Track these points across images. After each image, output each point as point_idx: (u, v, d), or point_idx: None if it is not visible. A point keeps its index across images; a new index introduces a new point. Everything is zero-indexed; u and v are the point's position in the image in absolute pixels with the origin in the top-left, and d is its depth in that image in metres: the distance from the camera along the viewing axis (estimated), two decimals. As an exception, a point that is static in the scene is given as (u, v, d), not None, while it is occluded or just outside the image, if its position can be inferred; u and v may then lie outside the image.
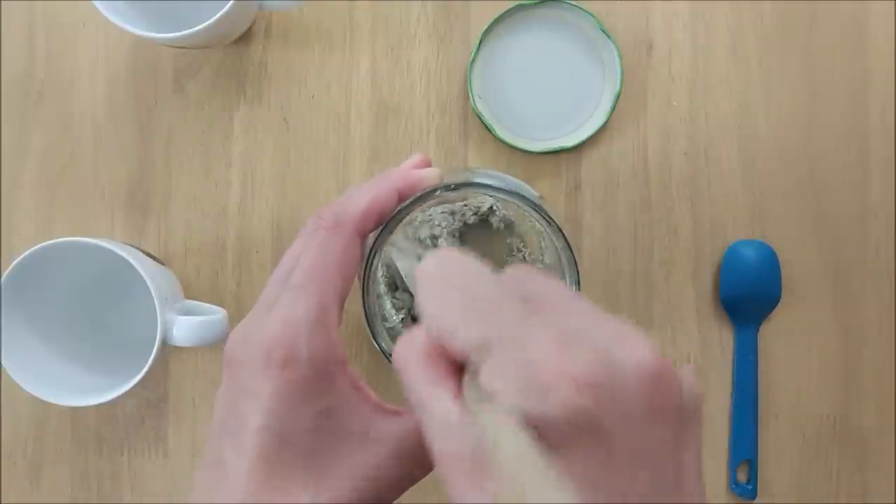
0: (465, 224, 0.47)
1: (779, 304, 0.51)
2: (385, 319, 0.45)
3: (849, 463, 0.51)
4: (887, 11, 0.52)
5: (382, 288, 0.46)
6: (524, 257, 0.48)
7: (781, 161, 0.51)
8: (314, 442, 0.27)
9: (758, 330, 0.51)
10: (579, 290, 0.37)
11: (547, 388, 0.19)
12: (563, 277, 0.38)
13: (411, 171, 0.33)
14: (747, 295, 0.50)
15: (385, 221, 0.33)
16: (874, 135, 0.51)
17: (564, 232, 0.36)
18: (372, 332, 0.37)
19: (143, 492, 0.51)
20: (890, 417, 0.51)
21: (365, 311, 0.37)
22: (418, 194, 0.34)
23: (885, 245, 0.51)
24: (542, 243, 0.47)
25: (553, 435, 0.19)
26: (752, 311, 0.51)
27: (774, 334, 0.51)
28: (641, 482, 0.20)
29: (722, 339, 0.51)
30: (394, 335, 0.41)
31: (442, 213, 0.46)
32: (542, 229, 0.36)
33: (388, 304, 0.46)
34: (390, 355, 0.37)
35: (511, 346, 0.20)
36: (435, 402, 0.22)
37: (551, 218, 0.36)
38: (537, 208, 0.36)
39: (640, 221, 0.51)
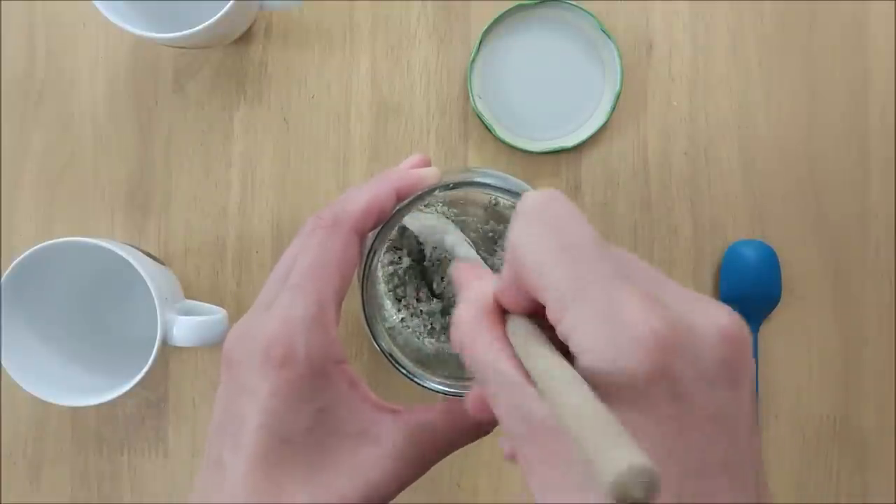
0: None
1: (779, 305, 0.51)
2: (385, 319, 0.45)
3: (849, 463, 0.51)
4: (887, 11, 0.52)
5: (382, 287, 0.46)
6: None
7: (782, 161, 0.51)
8: (313, 441, 0.27)
9: (758, 330, 0.51)
10: None
11: (634, 341, 0.19)
12: None
13: (410, 170, 0.33)
14: (747, 295, 0.50)
15: (384, 221, 0.33)
16: (874, 135, 0.51)
17: None
18: (371, 333, 0.37)
19: (143, 492, 0.51)
20: (890, 417, 0.51)
21: (364, 311, 0.37)
22: (417, 193, 0.34)
23: (885, 245, 0.51)
24: None
25: (630, 393, 0.19)
26: (753, 311, 0.51)
27: (774, 334, 0.51)
28: (719, 447, 0.20)
29: (722, 339, 0.51)
30: (394, 335, 0.41)
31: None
32: None
33: (388, 304, 0.46)
34: (390, 355, 0.37)
35: (601, 297, 0.20)
36: (497, 368, 0.22)
37: None
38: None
39: (640, 221, 0.51)
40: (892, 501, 0.51)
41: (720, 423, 0.20)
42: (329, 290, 0.28)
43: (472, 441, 0.30)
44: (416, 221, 0.41)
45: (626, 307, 0.19)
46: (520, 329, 0.22)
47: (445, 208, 0.49)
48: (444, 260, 0.46)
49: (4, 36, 0.52)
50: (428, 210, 0.46)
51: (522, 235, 0.22)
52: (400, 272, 0.46)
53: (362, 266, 0.36)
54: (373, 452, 0.28)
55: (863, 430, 0.51)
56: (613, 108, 0.50)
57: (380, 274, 0.45)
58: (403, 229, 0.46)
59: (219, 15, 0.43)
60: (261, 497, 0.26)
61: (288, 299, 0.28)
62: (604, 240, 0.22)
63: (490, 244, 0.49)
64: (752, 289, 0.50)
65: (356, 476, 0.27)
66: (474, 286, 0.24)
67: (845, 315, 0.51)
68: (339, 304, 0.29)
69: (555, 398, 0.19)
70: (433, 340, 0.47)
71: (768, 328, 0.51)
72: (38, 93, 0.52)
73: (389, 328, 0.42)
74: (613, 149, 0.51)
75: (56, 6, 0.52)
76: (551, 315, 0.21)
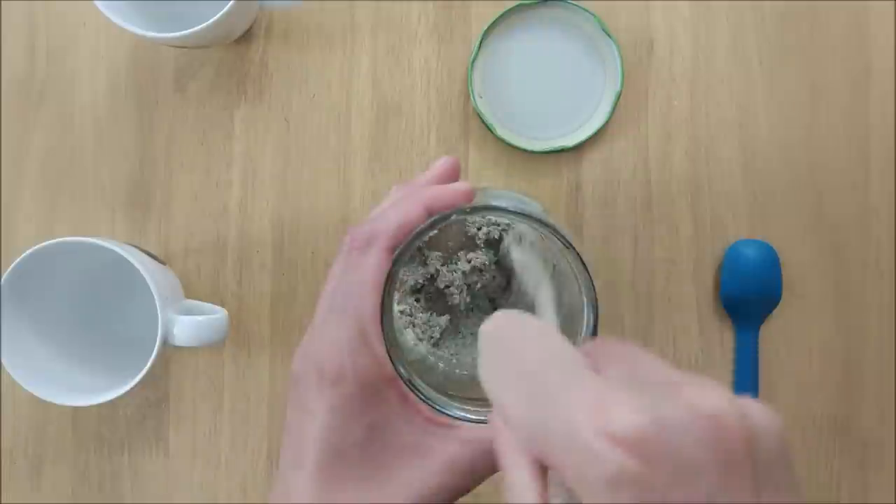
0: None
1: (779, 304, 0.51)
2: (405, 350, 0.43)
3: (849, 463, 0.51)
4: (888, 11, 0.52)
5: (402, 321, 0.45)
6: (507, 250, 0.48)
7: (782, 160, 0.51)
8: (367, 455, 0.29)
9: (758, 330, 0.51)
10: (596, 316, 0.36)
11: (591, 455, 0.17)
12: (579, 301, 0.37)
13: (443, 189, 0.32)
14: (748, 295, 0.50)
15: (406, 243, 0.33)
16: (875, 134, 0.51)
17: (581, 254, 0.35)
18: (391, 358, 0.36)
19: (143, 492, 0.51)
20: (890, 417, 0.51)
21: (384, 337, 0.36)
22: (435, 218, 0.33)
23: (886, 245, 0.51)
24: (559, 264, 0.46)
25: None
26: (753, 310, 0.51)
27: (775, 334, 0.51)
28: None
29: (722, 339, 0.51)
30: (416, 367, 0.40)
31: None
32: (559, 250, 0.36)
33: (409, 337, 0.45)
34: (410, 382, 0.36)
35: (555, 422, 0.19)
36: (514, 484, 0.21)
37: (569, 242, 0.35)
38: (556, 232, 0.35)
39: (640, 221, 0.51)
40: (893, 502, 0.51)
41: None
42: (367, 311, 0.29)
43: None
44: (521, 254, 0.39)
45: (578, 421, 0.18)
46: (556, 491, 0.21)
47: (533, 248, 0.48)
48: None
49: (5, 36, 0.52)
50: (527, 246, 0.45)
51: (486, 374, 0.22)
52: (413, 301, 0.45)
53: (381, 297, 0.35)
54: (425, 465, 0.29)
55: (863, 429, 0.51)
56: (614, 108, 0.50)
57: (397, 309, 0.45)
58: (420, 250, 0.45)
59: (219, 14, 0.43)
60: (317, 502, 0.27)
61: (333, 322, 0.29)
62: (557, 345, 0.21)
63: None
64: (752, 288, 0.50)
65: (408, 487, 0.28)
66: (517, 475, 0.22)
67: (845, 315, 0.51)
68: (377, 312, 0.30)
69: None
70: (451, 361, 0.46)
71: (769, 328, 0.51)
72: (39, 93, 0.52)
73: (411, 361, 0.41)
74: (614, 148, 0.51)
75: (56, 6, 0.52)
76: (529, 449, 0.20)
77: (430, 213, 0.32)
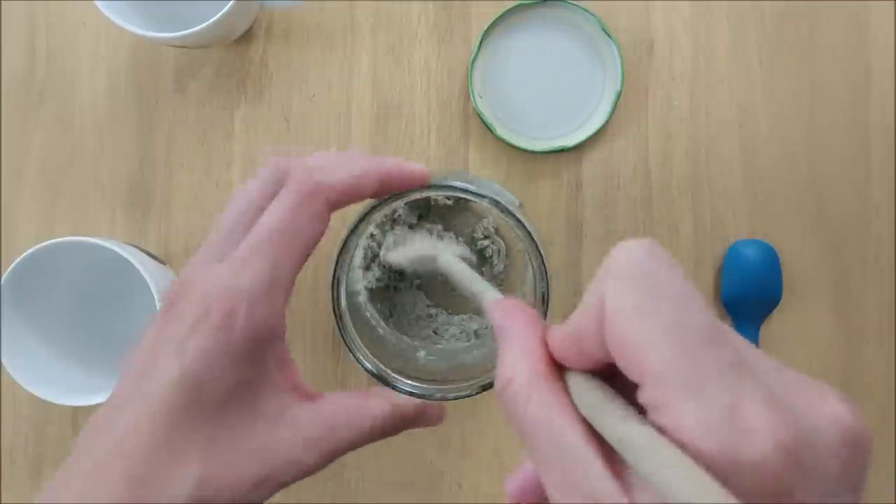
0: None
1: (779, 304, 0.51)
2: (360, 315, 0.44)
3: (849, 463, 0.51)
4: (888, 11, 0.52)
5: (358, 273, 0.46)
6: (492, 230, 0.49)
7: (782, 160, 0.51)
8: (225, 413, 0.26)
9: (759, 330, 0.51)
10: (548, 296, 0.36)
11: (751, 434, 0.17)
12: (533, 284, 0.38)
13: (403, 162, 0.31)
14: (748, 295, 0.50)
15: (360, 216, 0.33)
16: (875, 134, 0.51)
17: (535, 238, 0.36)
18: (346, 343, 0.36)
19: (143, 491, 0.51)
20: (890, 417, 0.51)
21: (336, 315, 0.36)
22: (389, 196, 0.33)
23: (886, 245, 0.51)
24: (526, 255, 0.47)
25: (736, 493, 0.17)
26: (753, 310, 0.51)
27: (775, 334, 0.51)
28: None
29: (723, 339, 0.51)
30: (370, 337, 0.40)
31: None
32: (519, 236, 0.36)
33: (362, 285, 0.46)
34: (368, 369, 0.36)
35: (720, 394, 0.17)
36: (562, 436, 0.19)
37: (521, 222, 0.35)
38: (509, 213, 0.35)
39: (640, 221, 0.51)
40: (893, 502, 0.51)
41: None
42: (287, 263, 0.27)
43: (387, 437, 0.29)
44: (399, 254, 0.39)
45: (750, 411, 0.17)
46: (591, 391, 0.19)
47: (432, 224, 0.49)
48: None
49: (5, 36, 0.52)
50: (404, 229, 0.46)
51: (623, 301, 0.19)
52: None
53: (333, 268, 0.35)
54: (283, 438, 0.27)
55: (863, 429, 0.51)
56: (614, 108, 0.50)
57: (358, 274, 0.45)
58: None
59: (219, 14, 0.43)
60: (153, 451, 0.25)
61: (241, 261, 0.26)
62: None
63: (481, 260, 0.49)
64: (752, 288, 0.50)
65: (258, 456, 0.26)
66: (522, 334, 0.22)
67: (846, 315, 0.51)
68: (293, 279, 0.28)
69: (667, 483, 0.17)
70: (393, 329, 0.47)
71: (768, 328, 0.51)
72: (39, 93, 0.52)
73: (365, 330, 0.41)
74: (614, 148, 0.51)
75: (56, 6, 0.52)
76: (649, 398, 0.18)
77: (381, 186, 0.30)
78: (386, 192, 0.31)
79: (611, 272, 0.20)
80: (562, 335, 0.21)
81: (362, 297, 0.46)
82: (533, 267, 0.36)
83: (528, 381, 0.20)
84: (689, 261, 0.51)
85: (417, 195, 0.34)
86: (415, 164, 0.32)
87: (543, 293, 0.36)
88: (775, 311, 0.51)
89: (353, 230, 0.34)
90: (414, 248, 0.37)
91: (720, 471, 0.17)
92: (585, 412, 0.19)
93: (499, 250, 0.49)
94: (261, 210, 0.28)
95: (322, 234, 0.28)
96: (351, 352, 0.36)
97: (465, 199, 0.47)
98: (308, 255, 0.28)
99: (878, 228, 0.51)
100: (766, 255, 0.50)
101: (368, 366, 0.36)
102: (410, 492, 0.51)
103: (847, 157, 0.51)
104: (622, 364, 0.19)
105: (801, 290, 0.51)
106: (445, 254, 0.32)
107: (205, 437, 0.25)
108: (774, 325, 0.51)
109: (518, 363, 0.21)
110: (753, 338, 0.51)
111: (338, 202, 0.29)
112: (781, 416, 0.17)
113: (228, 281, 0.26)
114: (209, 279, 0.26)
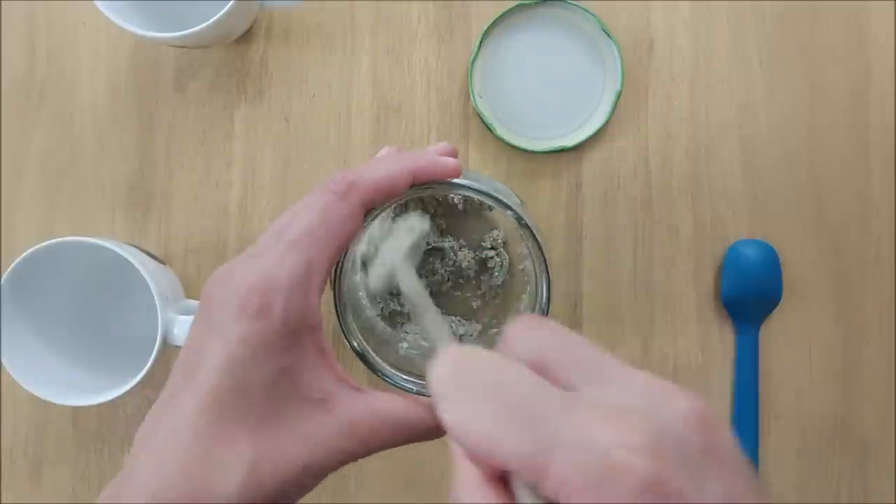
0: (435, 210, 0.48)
1: (779, 304, 0.51)
2: (359, 316, 0.44)
3: (849, 463, 0.51)
4: (887, 11, 0.52)
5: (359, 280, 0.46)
6: (500, 242, 0.49)
7: (782, 161, 0.51)
8: (270, 400, 0.27)
9: (758, 330, 0.51)
10: (549, 294, 0.36)
11: (619, 471, 0.18)
12: (531, 303, 0.38)
13: (432, 155, 0.33)
14: (748, 295, 0.50)
15: (392, 202, 0.33)
16: (875, 134, 0.51)
17: (538, 237, 0.36)
18: (343, 330, 0.37)
19: (143, 491, 0.51)
20: (890, 417, 0.51)
21: (336, 305, 0.36)
22: (422, 187, 0.33)
23: (886, 245, 0.51)
24: (526, 251, 0.48)
25: None
26: (753, 311, 0.51)
27: (775, 334, 0.51)
28: None
29: (723, 339, 0.51)
30: (366, 332, 0.41)
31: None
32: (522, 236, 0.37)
33: (364, 298, 0.46)
34: (356, 349, 0.37)
35: (569, 445, 0.19)
36: None
37: (523, 220, 0.36)
38: (511, 210, 0.35)
39: (640, 221, 0.51)
40: (893, 502, 0.51)
41: None
42: (320, 256, 0.28)
43: (426, 441, 0.30)
44: (373, 277, 0.38)
45: (599, 442, 0.19)
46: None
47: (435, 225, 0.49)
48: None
49: (5, 36, 0.52)
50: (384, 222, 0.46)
51: (456, 422, 0.21)
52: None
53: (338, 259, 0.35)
54: (326, 423, 0.27)
55: (863, 430, 0.51)
56: (614, 108, 0.50)
57: (358, 264, 0.45)
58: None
59: (219, 14, 0.43)
60: (205, 436, 0.26)
61: (278, 254, 0.27)
62: (525, 371, 0.21)
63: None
64: (752, 289, 0.50)
65: (304, 441, 0.27)
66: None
67: (845, 315, 0.51)
68: (327, 272, 0.29)
69: None
70: (405, 336, 0.47)
71: (769, 328, 0.51)
72: (39, 93, 0.52)
73: (363, 325, 0.41)
74: (614, 148, 0.51)
75: (56, 6, 0.52)
76: (528, 479, 0.20)
77: (415, 179, 0.31)
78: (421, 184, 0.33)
79: (433, 395, 0.22)
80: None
81: (360, 283, 0.46)
82: (537, 287, 0.36)
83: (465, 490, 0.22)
84: (689, 261, 0.51)
85: (428, 192, 0.34)
86: (448, 159, 0.33)
87: (546, 296, 0.36)
88: (775, 311, 0.51)
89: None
90: (376, 272, 0.36)
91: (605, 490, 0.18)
92: None
93: (502, 263, 0.49)
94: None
95: (354, 232, 0.30)
96: (343, 329, 0.37)
97: (482, 205, 0.47)
98: (341, 252, 0.29)
99: (878, 228, 0.51)
100: (766, 255, 0.50)
101: (355, 344, 0.37)
102: (410, 492, 0.51)
103: (847, 157, 0.51)
104: (497, 467, 0.21)
105: (801, 290, 0.51)
106: (405, 277, 0.32)
107: (253, 423, 0.26)
108: (774, 325, 0.51)
109: (464, 476, 0.22)
110: (753, 338, 0.51)
111: (372, 201, 0.30)
112: (628, 429, 0.19)
113: (265, 273, 0.27)
114: (247, 270, 0.27)
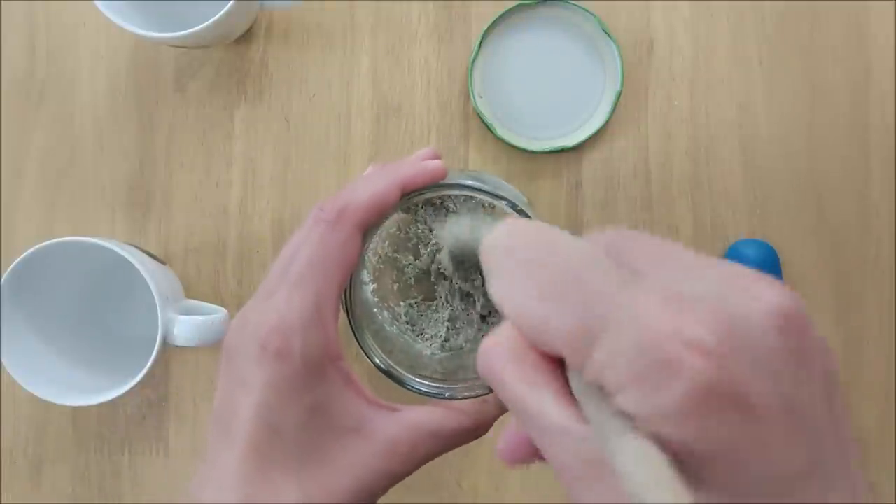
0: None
1: (779, 304, 0.51)
2: (373, 321, 0.44)
3: (849, 463, 0.51)
4: (887, 11, 0.52)
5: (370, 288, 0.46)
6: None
7: (783, 160, 0.51)
8: (307, 437, 0.27)
9: (758, 330, 0.51)
10: None
11: (669, 369, 0.16)
12: None
13: (415, 162, 0.32)
14: (748, 295, 0.50)
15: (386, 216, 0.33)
16: (875, 134, 0.51)
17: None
18: (357, 340, 0.37)
19: (143, 491, 0.51)
20: (890, 417, 0.51)
21: (349, 317, 0.36)
22: (415, 192, 0.33)
23: (886, 245, 0.51)
24: None
25: (691, 429, 0.16)
26: (753, 310, 0.51)
27: (775, 334, 0.51)
28: (800, 452, 0.17)
29: (722, 339, 0.51)
30: (380, 338, 0.41)
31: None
32: None
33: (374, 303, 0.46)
34: (380, 367, 0.37)
35: (615, 327, 0.17)
36: (541, 410, 0.19)
37: (529, 217, 0.36)
38: (521, 212, 0.35)
39: (640, 221, 0.51)
40: (893, 502, 0.51)
41: (797, 424, 0.16)
42: (327, 287, 0.28)
43: (469, 442, 0.30)
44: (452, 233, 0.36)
45: (649, 329, 0.16)
46: (590, 390, 0.19)
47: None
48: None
49: (4, 36, 0.52)
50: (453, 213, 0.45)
51: (504, 296, 0.20)
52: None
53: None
54: (365, 448, 0.28)
55: (863, 429, 0.51)
56: (614, 108, 0.50)
57: (367, 277, 0.45)
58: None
59: (219, 14, 0.43)
60: (250, 489, 0.26)
61: (286, 294, 0.28)
62: (584, 245, 0.19)
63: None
64: (752, 288, 0.50)
65: (347, 472, 0.27)
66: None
67: (845, 315, 0.51)
68: (338, 301, 0.29)
69: (608, 446, 0.16)
70: (420, 341, 0.47)
71: (769, 328, 0.51)
72: (39, 93, 0.52)
73: (377, 330, 0.41)
74: (614, 148, 0.51)
75: (56, 6, 0.52)
76: (572, 364, 0.18)
77: (404, 191, 0.31)
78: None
79: (484, 264, 0.21)
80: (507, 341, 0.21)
81: (373, 300, 0.46)
82: None
83: (505, 353, 0.20)
84: (689, 261, 0.51)
85: (429, 194, 0.34)
86: (430, 162, 0.33)
87: None
88: (775, 311, 0.51)
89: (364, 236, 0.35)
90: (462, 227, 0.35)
91: (646, 403, 0.16)
92: (581, 399, 0.18)
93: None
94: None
95: (356, 254, 0.30)
96: (363, 349, 0.37)
97: (480, 201, 0.47)
98: (348, 275, 0.30)
99: (878, 228, 0.51)
100: (766, 255, 0.50)
101: (377, 361, 0.37)
102: (410, 492, 0.51)
103: (847, 157, 0.51)
104: (541, 347, 0.19)
105: (800, 289, 0.51)
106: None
107: (294, 465, 0.27)
108: (774, 325, 0.51)
109: (497, 337, 0.21)
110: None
111: (365, 221, 0.30)
112: (686, 312, 0.16)
113: (278, 315, 0.27)
114: (260, 316, 0.27)
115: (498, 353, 0.20)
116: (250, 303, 0.29)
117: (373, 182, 0.30)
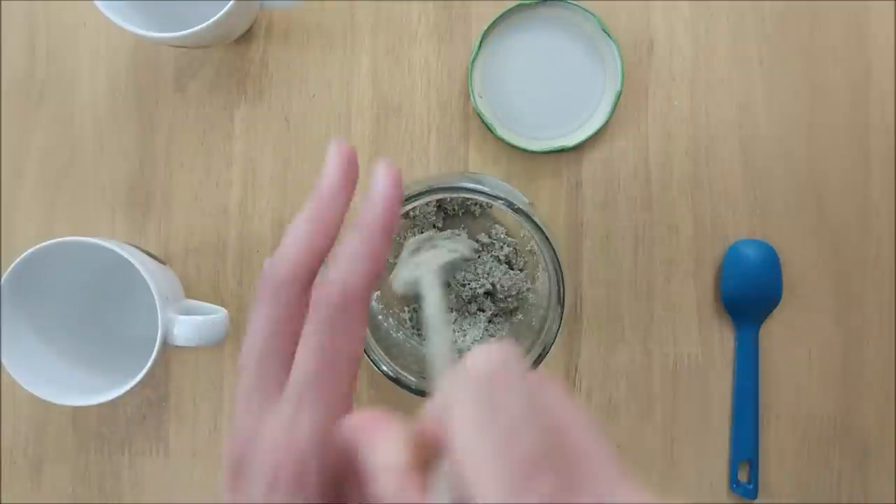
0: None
1: (780, 304, 0.51)
2: (383, 338, 0.44)
3: (849, 463, 0.51)
4: (887, 11, 0.52)
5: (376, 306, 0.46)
6: (502, 239, 0.50)
7: (782, 160, 0.51)
8: None
9: (759, 330, 0.51)
10: (563, 298, 0.36)
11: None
12: (550, 287, 0.37)
13: (383, 203, 0.27)
14: (748, 295, 0.50)
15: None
16: (875, 134, 0.51)
17: (551, 239, 0.36)
18: (365, 352, 0.37)
19: (143, 491, 0.51)
20: (890, 417, 0.51)
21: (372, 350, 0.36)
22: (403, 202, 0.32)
23: (886, 245, 0.51)
24: (537, 253, 0.47)
25: None
26: (753, 310, 0.51)
27: (775, 334, 0.51)
28: None
29: (723, 339, 0.51)
30: (387, 344, 0.40)
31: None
32: (532, 236, 0.36)
33: (385, 323, 0.46)
34: (388, 375, 0.37)
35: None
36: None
37: (536, 223, 0.36)
38: (519, 211, 0.35)
39: (640, 221, 0.51)
40: (893, 502, 0.51)
41: None
42: (342, 390, 0.24)
43: None
44: (399, 280, 0.35)
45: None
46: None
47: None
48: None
49: (5, 36, 0.52)
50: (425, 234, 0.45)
51: (464, 411, 0.20)
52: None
53: None
54: None
55: (863, 430, 0.51)
56: (614, 108, 0.50)
57: (373, 299, 0.45)
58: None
59: (219, 14, 0.43)
60: None
61: (293, 412, 0.24)
62: (545, 441, 0.19)
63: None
64: (752, 289, 0.50)
65: None
66: (383, 445, 0.21)
67: (845, 315, 0.51)
68: (351, 397, 0.25)
69: None
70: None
71: (769, 328, 0.51)
72: (39, 93, 0.52)
73: (383, 337, 0.41)
74: (614, 148, 0.51)
75: (56, 6, 0.52)
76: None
77: (389, 234, 0.26)
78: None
79: (461, 379, 0.20)
80: (419, 430, 0.21)
81: (377, 307, 0.46)
82: (548, 270, 0.36)
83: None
84: (689, 261, 0.51)
85: (428, 198, 0.34)
86: (380, 186, 0.28)
87: (559, 294, 0.36)
88: (775, 311, 0.51)
89: None
90: (403, 276, 0.33)
91: None
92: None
93: (515, 250, 0.50)
94: (280, 333, 0.25)
95: (364, 334, 0.26)
96: (370, 359, 0.37)
97: (483, 205, 0.47)
98: (358, 363, 0.26)
99: (878, 228, 0.51)
100: (766, 255, 0.50)
101: (385, 369, 0.37)
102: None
103: (847, 157, 0.51)
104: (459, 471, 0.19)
105: (801, 290, 0.51)
106: (430, 292, 0.29)
107: None
108: (774, 325, 0.51)
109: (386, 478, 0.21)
110: (753, 338, 0.51)
111: (370, 288, 0.26)
112: None
113: (289, 437, 0.24)
114: (269, 439, 0.24)
115: (392, 474, 0.20)
116: (245, 404, 0.26)
117: (362, 252, 0.25)
